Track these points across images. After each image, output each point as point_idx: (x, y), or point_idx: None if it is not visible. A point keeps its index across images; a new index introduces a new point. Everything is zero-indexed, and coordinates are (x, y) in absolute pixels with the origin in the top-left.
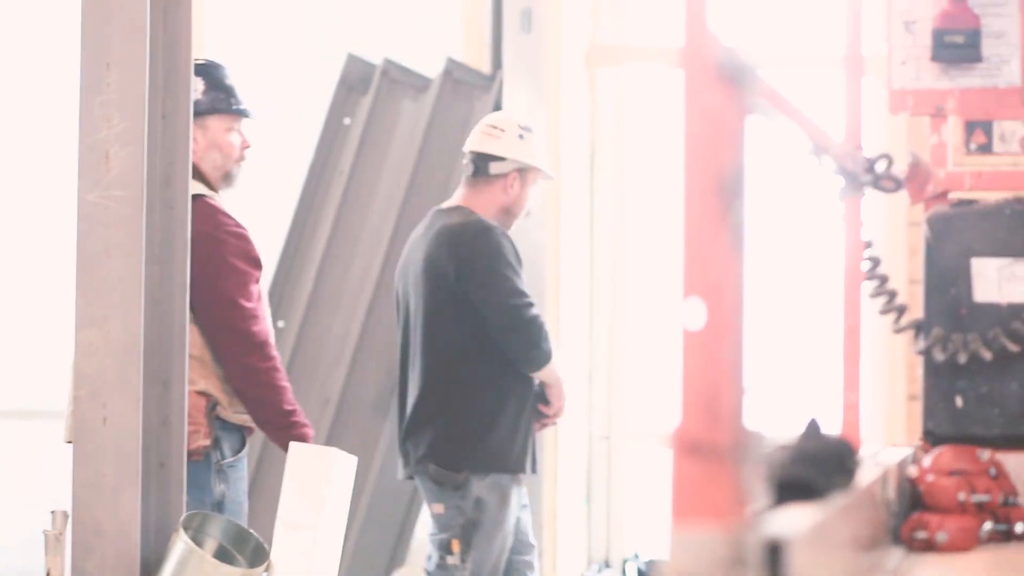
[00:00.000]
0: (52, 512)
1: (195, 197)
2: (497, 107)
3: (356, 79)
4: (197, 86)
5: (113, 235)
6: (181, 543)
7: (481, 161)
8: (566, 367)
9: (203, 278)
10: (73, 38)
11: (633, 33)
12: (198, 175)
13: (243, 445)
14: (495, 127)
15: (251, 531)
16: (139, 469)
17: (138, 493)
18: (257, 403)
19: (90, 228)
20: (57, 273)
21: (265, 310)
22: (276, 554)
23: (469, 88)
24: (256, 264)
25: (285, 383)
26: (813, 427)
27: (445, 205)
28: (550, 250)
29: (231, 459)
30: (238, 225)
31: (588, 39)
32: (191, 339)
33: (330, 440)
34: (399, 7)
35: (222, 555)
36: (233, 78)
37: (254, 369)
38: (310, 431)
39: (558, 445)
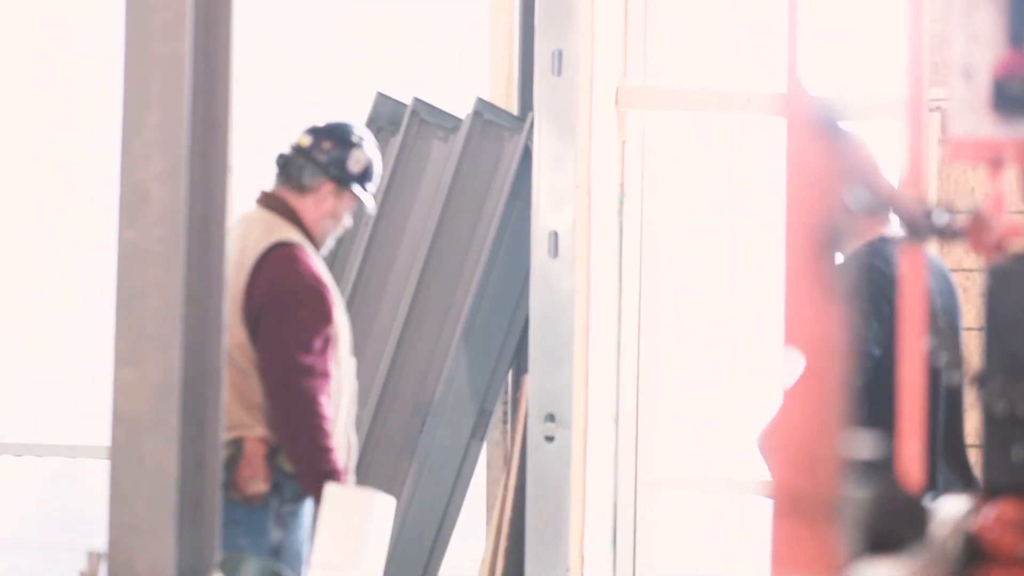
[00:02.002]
0: (88, 552)
1: (285, 243)
2: (527, 149)
3: (385, 118)
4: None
5: (152, 274)
6: None
7: None
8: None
9: (268, 327)
10: (115, 77)
11: (663, 75)
12: (301, 226)
13: (305, 492)
14: None
15: (286, 572)
16: (175, 510)
17: (174, 534)
18: (295, 455)
19: (128, 267)
20: (101, 310)
21: (336, 365)
22: None
23: (499, 129)
24: (325, 319)
25: (327, 443)
26: (887, 479)
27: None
28: (580, 295)
29: (291, 506)
30: (315, 278)
31: (617, 81)
32: (255, 386)
33: (356, 481)
34: (427, 46)
35: None
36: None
37: (296, 422)
38: None
39: (584, 490)
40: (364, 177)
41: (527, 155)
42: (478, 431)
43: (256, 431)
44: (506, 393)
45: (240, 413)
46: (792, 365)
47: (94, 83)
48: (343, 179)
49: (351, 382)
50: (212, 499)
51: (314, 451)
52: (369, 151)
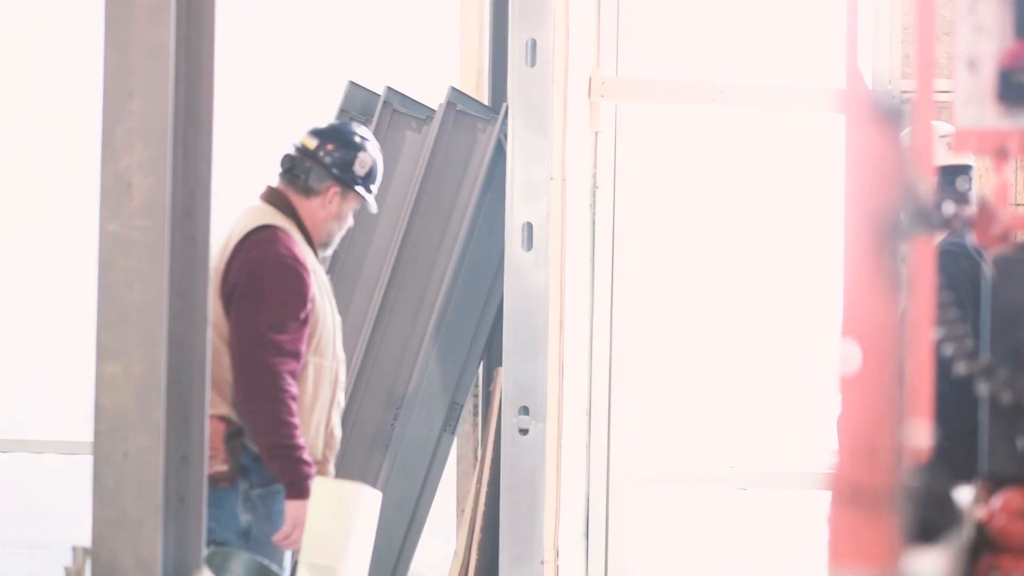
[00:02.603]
0: (73, 548)
1: (268, 226)
2: (502, 139)
3: (357, 108)
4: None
5: (135, 266)
6: None
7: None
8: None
9: (239, 303)
10: (96, 65)
11: (636, 65)
12: (299, 223)
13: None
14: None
15: (274, 567)
16: (160, 504)
17: (159, 529)
18: (256, 429)
19: (111, 259)
20: (79, 302)
21: (316, 353)
22: None
23: (472, 120)
24: (299, 299)
25: (288, 418)
26: (927, 467)
27: None
28: (554, 287)
29: (260, 490)
30: (292, 258)
31: (590, 72)
32: (225, 364)
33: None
34: (398, 36)
35: None
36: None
37: (259, 396)
38: (307, 469)
39: (559, 482)
40: (369, 179)
41: (499, 146)
42: (449, 424)
43: (218, 409)
44: (476, 386)
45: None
46: (850, 355)
47: (75, 70)
48: (349, 181)
49: (332, 371)
50: (198, 493)
51: (274, 425)
52: (373, 152)
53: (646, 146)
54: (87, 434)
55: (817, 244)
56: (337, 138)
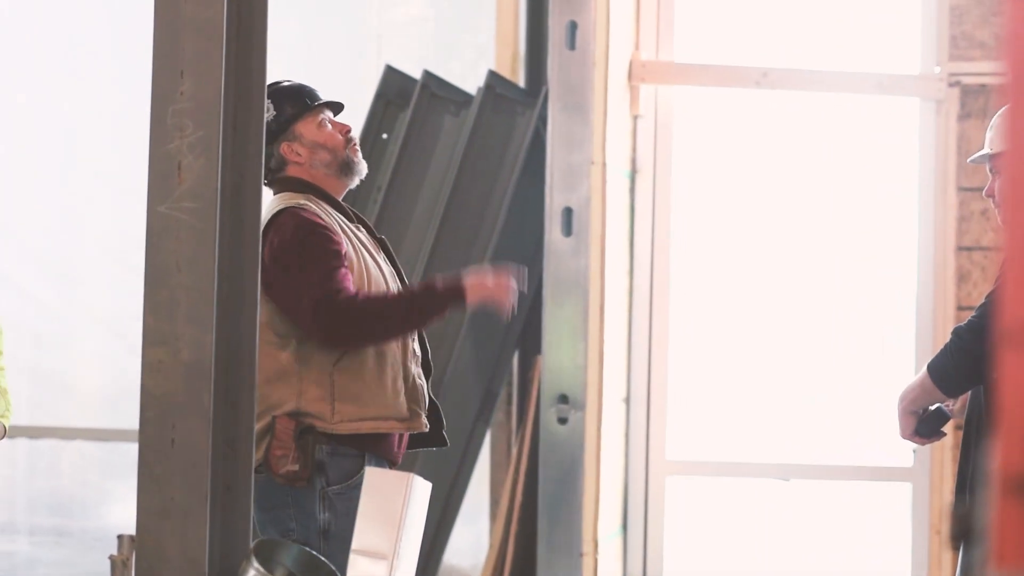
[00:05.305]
0: (119, 536)
1: (283, 209)
2: (541, 123)
3: (394, 92)
4: (269, 107)
5: (184, 249)
6: (252, 571)
7: None
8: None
9: (282, 286)
10: (146, 44)
11: (676, 49)
12: (303, 186)
13: (359, 470)
14: None
15: (324, 560)
16: (207, 493)
17: (206, 518)
18: (402, 332)
19: (160, 241)
20: (113, 286)
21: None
22: None
23: (511, 103)
24: (336, 255)
25: (393, 300)
26: None
27: None
28: (594, 273)
29: (337, 487)
30: (314, 223)
31: (630, 56)
32: (278, 355)
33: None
34: (433, 20)
35: None
36: (294, 79)
37: (364, 328)
38: (443, 282)
39: (599, 473)
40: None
41: (538, 131)
42: (484, 413)
43: (285, 407)
44: (511, 375)
45: (269, 392)
46: (1013, 337)
47: (125, 50)
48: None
49: None
50: (245, 482)
51: (398, 319)
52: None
53: (686, 131)
54: (116, 421)
55: (861, 230)
56: None
